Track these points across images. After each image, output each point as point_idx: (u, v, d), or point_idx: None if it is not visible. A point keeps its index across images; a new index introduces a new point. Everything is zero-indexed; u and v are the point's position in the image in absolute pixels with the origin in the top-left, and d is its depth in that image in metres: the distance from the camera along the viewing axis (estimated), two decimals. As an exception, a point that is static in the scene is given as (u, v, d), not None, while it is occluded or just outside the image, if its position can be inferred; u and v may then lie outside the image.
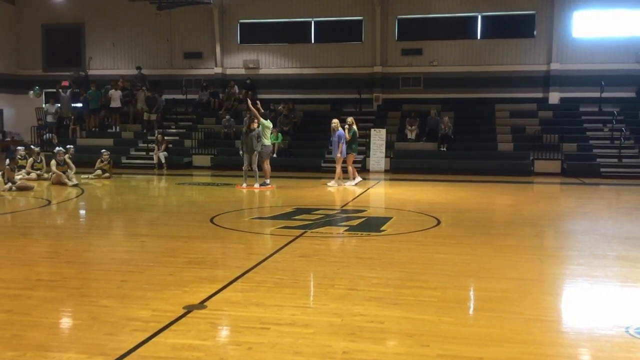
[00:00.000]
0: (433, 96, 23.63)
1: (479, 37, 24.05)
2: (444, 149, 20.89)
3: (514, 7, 23.57)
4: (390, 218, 10.46)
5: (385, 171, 20.35)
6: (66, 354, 4.16)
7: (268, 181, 15.11)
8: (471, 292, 6.09)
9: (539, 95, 23.40)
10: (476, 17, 23.98)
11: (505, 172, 19.04)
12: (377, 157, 20.66)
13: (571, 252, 8.02)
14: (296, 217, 10.33)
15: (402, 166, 20.26)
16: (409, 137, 21.66)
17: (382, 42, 24.29)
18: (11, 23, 26.72)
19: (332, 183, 15.55)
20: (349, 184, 15.51)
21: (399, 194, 14.96)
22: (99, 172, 17.13)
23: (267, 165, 15.20)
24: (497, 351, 4.30)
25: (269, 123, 15.39)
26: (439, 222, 9.92)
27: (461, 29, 24.24)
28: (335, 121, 15.59)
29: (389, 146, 21.04)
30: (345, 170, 15.85)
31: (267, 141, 15.11)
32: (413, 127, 21.65)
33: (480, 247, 7.95)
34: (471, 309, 5.54)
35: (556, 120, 21.92)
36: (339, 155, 15.37)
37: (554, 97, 23.31)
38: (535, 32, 23.47)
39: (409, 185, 16.62)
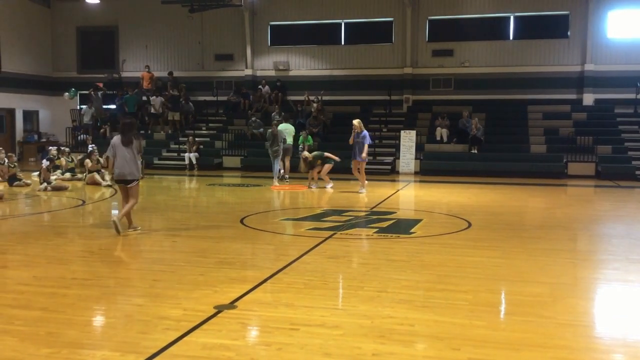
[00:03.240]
0: (464, 97, 23.42)
1: (511, 38, 23.74)
2: (475, 151, 20.68)
3: (547, 7, 23.22)
4: (420, 220, 10.39)
5: (415, 173, 20.23)
6: (100, 352, 4.23)
7: (287, 176, 16.75)
8: (503, 296, 6.02)
9: (573, 96, 23.00)
10: (508, 18, 23.68)
11: (537, 175, 18.76)
12: (407, 158, 20.55)
13: (605, 256, 7.87)
14: (326, 219, 10.34)
15: (432, 168, 20.11)
16: (438, 138, 21.49)
17: (413, 43, 24.16)
18: (47, 26, 27.29)
19: (362, 190, 14.54)
20: (328, 187, 15.22)
21: (428, 196, 14.85)
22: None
23: (287, 162, 16.99)
24: (530, 356, 4.24)
25: (285, 126, 17.58)
26: (469, 225, 9.83)
27: (493, 29, 23.97)
28: (357, 121, 14.73)
29: (419, 148, 20.91)
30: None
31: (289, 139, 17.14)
32: (443, 128, 21.47)
33: (512, 251, 7.85)
34: (503, 313, 5.48)
35: (590, 122, 21.52)
36: (364, 155, 14.46)
37: (588, 99, 22.89)
38: (569, 33, 23.08)
39: (439, 187, 16.49)
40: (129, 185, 8.88)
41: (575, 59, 22.98)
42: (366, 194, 14.28)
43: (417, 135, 20.73)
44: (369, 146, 14.90)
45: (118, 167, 8.82)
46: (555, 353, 4.30)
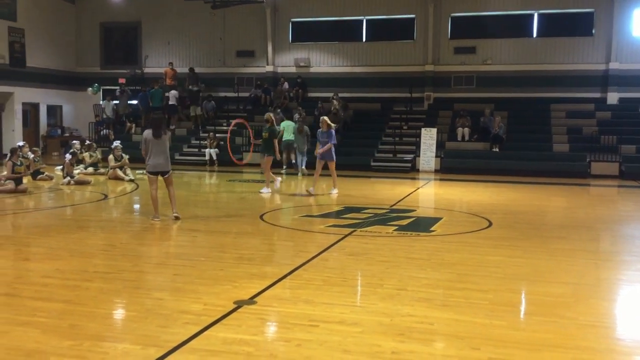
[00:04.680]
0: (486, 95, 23.21)
1: (535, 36, 23.47)
2: (496, 150, 20.51)
3: (571, 5, 22.91)
4: (440, 218, 10.34)
5: (435, 171, 20.12)
6: (121, 345, 4.28)
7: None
8: (524, 296, 5.97)
9: (597, 95, 22.68)
10: (532, 15, 23.41)
11: (560, 174, 18.54)
12: (427, 156, 20.45)
13: (629, 257, 7.76)
14: (345, 216, 10.33)
15: (452, 166, 19.99)
16: (460, 138, 21.34)
17: (435, 41, 24.01)
18: (71, 22, 27.58)
19: (334, 190, 13.38)
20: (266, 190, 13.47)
21: (449, 194, 14.77)
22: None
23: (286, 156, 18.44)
24: (551, 357, 4.20)
25: (287, 123, 18.70)
26: (490, 224, 9.75)
27: (516, 27, 23.71)
28: (326, 118, 13.46)
29: (440, 146, 20.79)
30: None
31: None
32: (464, 126, 21.32)
33: (533, 250, 7.78)
34: (524, 313, 5.44)
35: (614, 121, 21.20)
36: (319, 151, 13.18)
37: (613, 98, 22.55)
38: (593, 31, 22.75)
39: (459, 185, 16.39)
40: (165, 176, 9.47)
41: (600, 57, 22.66)
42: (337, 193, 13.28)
43: (437, 133, 20.61)
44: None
45: (152, 160, 9.30)
46: (576, 354, 4.26)
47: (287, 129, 18.57)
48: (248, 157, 17.06)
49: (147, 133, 9.40)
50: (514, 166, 19.36)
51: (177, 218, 9.57)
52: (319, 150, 13.10)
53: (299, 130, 18.82)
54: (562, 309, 5.28)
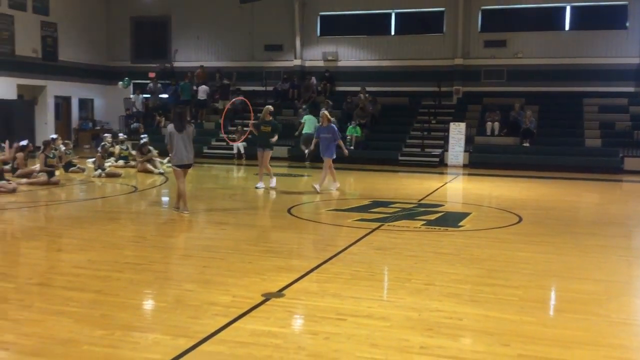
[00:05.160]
0: (516, 89, 22.88)
1: (567, 29, 23.07)
2: (527, 144, 20.24)
3: (605, -3, 22.47)
4: (469, 214, 10.25)
5: (464, 166, 19.94)
6: (152, 335, 4.34)
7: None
8: (554, 293, 5.90)
9: (631, 89, 22.19)
10: (564, 8, 22.99)
11: (592, 169, 18.23)
12: (456, 151, 20.27)
13: (663, 255, 7.61)
14: (373, 210, 10.31)
15: (481, 161, 19.78)
16: (489, 133, 21.09)
17: (464, 34, 23.75)
18: (102, 16, 27.95)
19: (317, 186, 12.42)
20: (261, 186, 12.95)
21: (477, 189, 14.63)
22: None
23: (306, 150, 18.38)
24: (582, 354, 4.14)
25: (309, 117, 19.09)
26: (520, 220, 9.64)
27: (548, 19, 23.32)
28: (326, 112, 12.92)
29: (469, 140, 20.59)
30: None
31: None
32: (494, 121, 21.07)
33: (564, 247, 7.67)
34: (554, 309, 5.37)
35: (649, 116, 20.77)
36: (345, 152, 12.93)
37: (647, 92, 22.08)
38: (627, 24, 22.25)
39: (488, 180, 16.23)
40: (189, 169, 9.67)
41: (634, 51, 22.15)
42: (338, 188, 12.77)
43: (466, 127, 20.41)
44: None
45: (177, 154, 9.39)
46: (607, 352, 4.19)
47: (308, 122, 19.23)
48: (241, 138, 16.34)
49: (171, 127, 9.48)
50: (544, 161, 19.10)
51: (185, 213, 9.47)
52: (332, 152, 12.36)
53: None
54: (593, 306, 5.20)
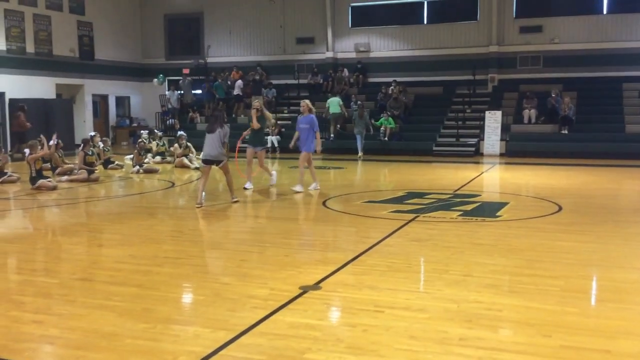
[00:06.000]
0: (553, 75, 22.43)
1: (605, 12, 22.48)
2: (565, 132, 19.83)
3: (645, -23, 21.81)
4: (507, 203, 10.10)
5: (500, 155, 19.65)
6: (192, 328, 4.40)
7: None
8: (596, 282, 5.78)
9: (673, 72, 21.55)
10: (602, -10, 22.44)
11: (634, 156, 17.76)
12: (492, 140, 19.99)
13: None
14: (408, 201, 10.25)
15: (518, 149, 19.47)
16: (526, 120, 20.71)
17: (499, 20, 23.35)
18: (136, 15, 28.35)
19: (297, 188, 11.41)
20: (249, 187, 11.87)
21: (515, 178, 14.41)
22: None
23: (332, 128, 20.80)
24: (626, 344, 4.05)
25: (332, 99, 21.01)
26: (560, 208, 9.46)
27: (585, 3, 22.74)
28: (307, 102, 11.72)
29: (505, 129, 20.27)
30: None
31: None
32: (531, 108, 20.68)
33: (606, 235, 7.51)
34: (597, 299, 5.27)
35: (692, 100, 20.13)
36: (318, 149, 11.69)
37: (690, 75, 21.39)
38: (669, 5, 21.60)
39: (526, 169, 15.96)
40: (219, 166, 9.95)
41: (677, 33, 21.48)
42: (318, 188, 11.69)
43: (502, 115, 20.10)
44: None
45: (204, 150, 9.92)
46: (654, 343, 4.09)
47: (332, 103, 21.01)
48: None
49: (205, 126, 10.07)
50: (584, 148, 18.70)
51: (235, 201, 10.04)
52: (317, 146, 11.47)
53: (360, 115, 19.69)
54: (636, 296, 5.09)
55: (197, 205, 9.67)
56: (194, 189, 12.82)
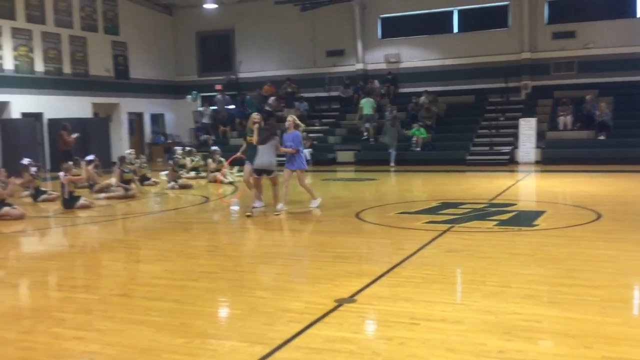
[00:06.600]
0: (588, 81, 22.04)
1: (638, 15, 22.04)
2: (602, 137, 19.43)
3: (681, -22, 21.34)
4: (544, 212, 9.93)
5: (536, 162, 19.36)
6: (229, 342, 4.42)
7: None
8: (638, 291, 5.64)
9: None
10: (636, -7, 22.03)
11: (674, 161, 17.31)
12: (527, 147, 19.71)
13: None
14: (442, 212, 10.16)
15: (554, 157, 19.14)
16: (562, 127, 20.36)
17: (531, 27, 23.10)
18: (169, 33, 28.89)
19: (315, 202, 11.10)
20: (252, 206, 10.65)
21: (551, 186, 14.17)
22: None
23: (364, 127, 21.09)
24: (672, 357, 3.93)
25: (366, 101, 21.39)
26: (599, 216, 9.26)
27: (618, 7, 22.37)
28: (292, 117, 11.12)
29: (540, 136, 19.97)
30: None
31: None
32: (566, 114, 20.34)
33: (647, 243, 7.32)
34: (639, 309, 5.12)
35: None
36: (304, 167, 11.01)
37: None
38: None
39: (562, 176, 15.68)
40: (270, 176, 10.16)
41: None
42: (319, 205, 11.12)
43: (537, 122, 19.81)
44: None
45: (257, 160, 10.13)
46: (702, 354, 3.96)
47: (366, 105, 21.56)
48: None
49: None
50: (622, 154, 18.29)
51: (277, 214, 10.24)
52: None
53: (392, 124, 20.00)
54: (683, 306, 4.94)
55: (247, 214, 10.10)
56: (227, 204, 12.93)
